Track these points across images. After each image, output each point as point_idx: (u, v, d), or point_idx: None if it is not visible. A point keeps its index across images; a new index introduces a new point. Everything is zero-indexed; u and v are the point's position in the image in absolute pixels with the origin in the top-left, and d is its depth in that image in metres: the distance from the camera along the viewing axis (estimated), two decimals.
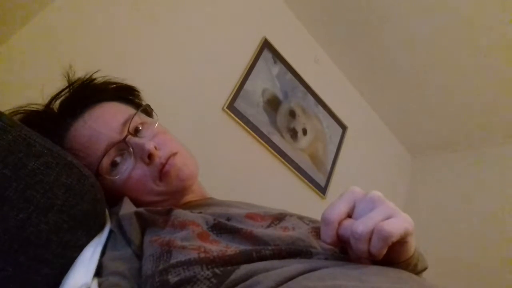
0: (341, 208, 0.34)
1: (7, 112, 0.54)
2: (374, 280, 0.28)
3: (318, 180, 1.43)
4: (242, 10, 1.32)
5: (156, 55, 1.03)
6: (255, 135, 1.23)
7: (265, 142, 1.26)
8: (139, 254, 0.44)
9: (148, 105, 0.66)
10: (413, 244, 0.35)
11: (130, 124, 0.56)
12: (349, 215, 0.35)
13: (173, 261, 0.37)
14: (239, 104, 1.21)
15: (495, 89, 1.47)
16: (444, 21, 1.32)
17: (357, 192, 0.36)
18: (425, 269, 0.41)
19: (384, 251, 0.31)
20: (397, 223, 0.31)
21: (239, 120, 1.19)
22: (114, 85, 0.65)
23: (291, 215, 0.51)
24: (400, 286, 0.27)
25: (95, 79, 0.64)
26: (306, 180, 1.37)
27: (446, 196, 1.72)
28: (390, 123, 1.89)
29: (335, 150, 1.55)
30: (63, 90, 0.60)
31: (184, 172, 0.57)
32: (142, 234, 0.47)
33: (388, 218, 0.32)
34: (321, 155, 1.48)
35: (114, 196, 0.55)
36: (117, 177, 0.55)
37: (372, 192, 0.34)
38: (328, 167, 1.50)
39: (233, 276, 0.33)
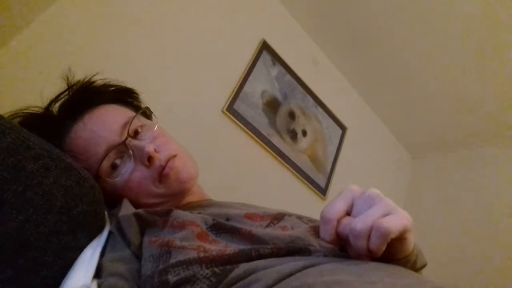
0: (340, 206, 0.34)
1: (6, 115, 0.54)
2: (373, 275, 0.28)
3: (318, 181, 1.43)
4: (241, 13, 1.32)
5: (155, 57, 1.03)
6: (254, 136, 1.23)
7: (264, 143, 1.26)
8: (138, 255, 0.44)
9: (148, 108, 0.66)
10: (412, 241, 0.35)
11: (129, 126, 0.56)
12: (348, 213, 0.35)
13: (172, 261, 0.37)
14: (239, 106, 1.21)
15: (495, 90, 1.47)
16: (444, 22, 1.32)
17: (355, 190, 0.36)
18: (424, 266, 0.41)
19: (383, 248, 0.31)
20: (396, 219, 0.31)
21: (238, 122, 1.19)
22: (114, 88, 0.66)
23: (290, 214, 0.51)
24: (400, 281, 0.27)
25: (94, 81, 0.64)
26: (306, 181, 1.37)
27: (446, 196, 1.71)
28: (389, 123, 1.90)
29: (335, 151, 1.55)
30: (62, 92, 0.60)
31: (184, 174, 0.57)
32: (142, 235, 0.47)
33: (386, 215, 0.32)
34: (321, 156, 1.48)
35: (114, 198, 0.55)
36: (117, 179, 0.55)
37: (370, 189, 0.35)
38: (328, 168, 1.49)
39: (232, 275, 0.34)
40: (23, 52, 0.78)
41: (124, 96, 0.67)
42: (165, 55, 1.06)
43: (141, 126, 0.59)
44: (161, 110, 0.71)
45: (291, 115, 1.40)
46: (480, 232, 1.47)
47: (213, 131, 1.13)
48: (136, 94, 0.69)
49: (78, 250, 0.43)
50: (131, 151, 0.55)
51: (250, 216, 0.49)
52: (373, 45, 1.52)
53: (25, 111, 0.57)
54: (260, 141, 1.24)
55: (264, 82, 1.33)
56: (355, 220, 0.32)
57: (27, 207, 0.39)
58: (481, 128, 1.67)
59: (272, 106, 1.33)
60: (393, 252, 0.34)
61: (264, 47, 1.36)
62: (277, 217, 0.50)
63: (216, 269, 0.35)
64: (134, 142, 0.56)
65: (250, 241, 0.41)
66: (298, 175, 1.35)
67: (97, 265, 0.42)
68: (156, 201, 0.57)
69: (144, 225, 0.47)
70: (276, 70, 1.39)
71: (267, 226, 0.47)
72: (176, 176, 0.56)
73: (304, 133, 1.43)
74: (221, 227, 0.45)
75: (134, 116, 0.58)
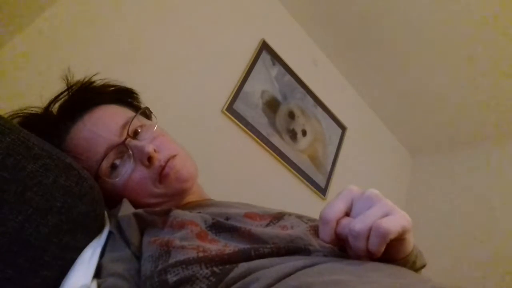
0: (339, 207, 0.35)
1: (6, 115, 0.54)
2: (372, 275, 0.28)
3: (318, 181, 1.43)
4: (240, 13, 1.32)
5: (155, 57, 1.03)
6: (254, 136, 1.23)
7: (264, 143, 1.26)
8: (138, 255, 0.44)
9: (147, 108, 0.67)
10: (411, 241, 0.35)
11: (129, 126, 0.56)
12: (347, 214, 0.35)
13: (172, 261, 0.37)
14: (238, 106, 1.21)
15: (495, 89, 1.47)
16: (444, 22, 1.32)
17: (354, 191, 0.36)
18: (423, 266, 0.41)
19: (382, 249, 0.31)
20: (395, 220, 0.31)
21: (238, 122, 1.19)
22: (113, 88, 0.66)
23: (290, 214, 0.51)
24: (398, 280, 0.27)
25: (94, 82, 0.64)
26: (306, 181, 1.37)
27: (446, 195, 1.71)
28: (389, 123, 1.89)
29: (334, 151, 1.55)
30: (62, 93, 0.60)
31: (184, 174, 0.57)
32: (141, 235, 0.47)
33: (385, 215, 0.32)
34: (321, 156, 1.48)
35: (114, 198, 0.55)
36: (116, 179, 0.55)
37: (370, 190, 0.35)
38: (328, 168, 1.49)
39: (231, 274, 0.34)
40: (23, 52, 0.78)
41: (124, 96, 0.67)
42: (165, 55, 1.06)
43: (141, 126, 0.59)
44: (161, 110, 0.71)
45: (291, 115, 1.40)
46: (480, 231, 1.47)
47: (213, 131, 1.13)
48: (136, 94, 0.69)
49: (78, 250, 0.43)
50: (130, 151, 0.55)
51: (249, 216, 0.49)
52: (373, 45, 1.52)
53: (25, 111, 0.57)
54: (259, 141, 1.24)
55: (264, 82, 1.33)
56: (354, 221, 0.32)
57: (26, 207, 0.39)
58: (481, 127, 1.67)
59: (271, 106, 1.33)
60: (392, 252, 0.34)
61: (264, 47, 1.36)
62: (277, 217, 0.50)
63: (215, 269, 0.35)
64: (134, 142, 0.56)
65: (249, 241, 0.41)
66: (298, 175, 1.35)
67: (96, 265, 0.42)
68: (156, 201, 0.58)
69: (144, 225, 0.47)
70: (275, 70, 1.39)
71: (267, 225, 0.47)
72: (176, 175, 0.56)
73: (304, 133, 1.43)
74: (220, 226, 0.45)
75: (134, 116, 0.58)
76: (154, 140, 0.58)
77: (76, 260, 0.42)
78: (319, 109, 1.53)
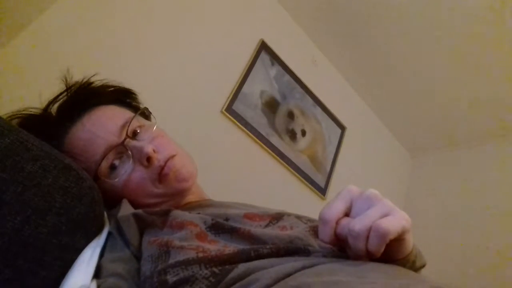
0: (338, 207, 0.35)
1: (5, 116, 0.54)
2: (372, 276, 0.28)
3: (318, 181, 1.43)
4: (239, 13, 1.32)
5: (154, 58, 1.03)
6: (253, 137, 1.23)
7: (264, 144, 1.26)
8: (137, 256, 0.44)
9: (146, 108, 0.66)
10: (411, 241, 0.35)
11: (128, 127, 0.56)
12: (347, 214, 0.35)
13: (171, 261, 0.37)
14: (238, 107, 1.21)
15: (494, 88, 1.47)
16: (443, 21, 1.32)
17: (354, 191, 0.36)
18: (423, 266, 0.41)
19: (382, 249, 0.31)
20: (394, 220, 0.31)
21: (237, 123, 1.19)
22: (112, 89, 0.66)
23: (289, 214, 0.51)
24: (397, 281, 0.27)
25: (92, 82, 0.64)
26: (305, 181, 1.37)
27: (446, 195, 1.72)
28: (389, 123, 1.90)
29: (334, 150, 1.55)
30: (61, 94, 0.60)
31: (183, 174, 0.58)
32: (141, 235, 0.47)
33: (385, 215, 0.32)
34: (320, 156, 1.48)
35: (113, 199, 0.55)
36: (116, 180, 0.55)
37: (369, 190, 0.35)
38: (328, 168, 1.49)
39: (231, 275, 0.34)
40: (22, 52, 0.78)
41: (123, 97, 0.67)
42: (164, 56, 1.06)
43: (140, 127, 0.59)
44: (160, 111, 0.71)
45: (290, 115, 1.40)
46: (479, 230, 1.47)
47: (212, 131, 1.13)
48: (135, 94, 0.69)
49: (77, 250, 0.43)
50: (129, 152, 0.55)
51: (249, 216, 0.49)
52: (372, 45, 1.52)
53: (24, 112, 0.57)
54: (259, 141, 1.24)
55: (263, 83, 1.33)
56: (353, 221, 0.32)
57: (26, 208, 0.39)
58: (481, 126, 1.67)
59: (271, 106, 1.33)
60: (392, 252, 0.34)
61: (263, 47, 1.36)
62: (276, 217, 0.50)
63: (215, 269, 0.35)
64: (133, 142, 0.56)
65: (249, 241, 0.41)
66: (297, 175, 1.35)
67: (96, 265, 0.42)
68: (156, 201, 0.58)
69: (143, 225, 0.47)
70: (274, 70, 1.39)
71: (266, 226, 0.47)
72: (175, 175, 0.56)
73: (303, 133, 1.43)
74: (220, 227, 0.45)
75: (133, 117, 0.58)
76: (153, 141, 0.58)
77: (76, 261, 0.42)
78: (319, 109, 1.53)
